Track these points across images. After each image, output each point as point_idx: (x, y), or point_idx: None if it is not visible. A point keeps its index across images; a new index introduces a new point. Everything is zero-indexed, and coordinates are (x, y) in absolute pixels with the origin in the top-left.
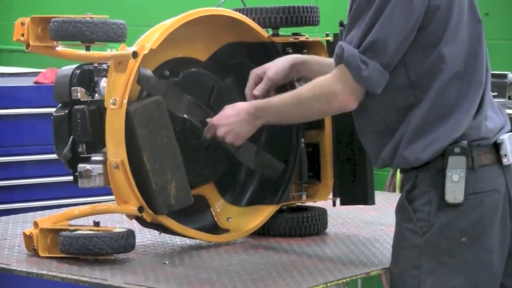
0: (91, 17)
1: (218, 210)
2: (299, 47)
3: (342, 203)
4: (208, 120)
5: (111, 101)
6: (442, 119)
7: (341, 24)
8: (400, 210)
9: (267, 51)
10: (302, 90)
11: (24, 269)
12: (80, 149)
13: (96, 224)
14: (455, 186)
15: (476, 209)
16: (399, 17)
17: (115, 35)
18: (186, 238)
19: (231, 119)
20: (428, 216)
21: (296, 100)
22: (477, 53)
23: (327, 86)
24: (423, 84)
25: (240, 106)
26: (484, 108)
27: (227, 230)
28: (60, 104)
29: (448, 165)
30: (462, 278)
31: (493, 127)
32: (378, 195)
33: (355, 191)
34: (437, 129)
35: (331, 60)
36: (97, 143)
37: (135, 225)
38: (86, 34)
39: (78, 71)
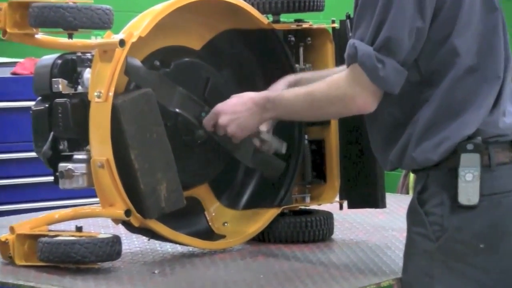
0: (74, 2)
1: (213, 214)
2: (302, 35)
3: (350, 206)
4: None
5: (95, 93)
6: (453, 116)
7: (348, 17)
8: (411, 213)
9: (267, 40)
10: (316, 90)
11: None
12: (61, 147)
13: (79, 229)
14: (468, 187)
15: (492, 211)
16: (411, 9)
17: (101, 22)
18: (177, 245)
19: (238, 108)
20: (441, 219)
21: (310, 100)
22: (492, 44)
23: (343, 89)
24: (434, 79)
25: (249, 95)
26: (502, 103)
27: (223, 236)
28: (39, 97)
29: (461, 164)
30: None
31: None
32: (390, 198)
33: (364, 193)
34: (447, 127)
35: (325, 73)
36: (80, 140)
37: (121, 231)
38: (69, 21)
39: (59, 61)
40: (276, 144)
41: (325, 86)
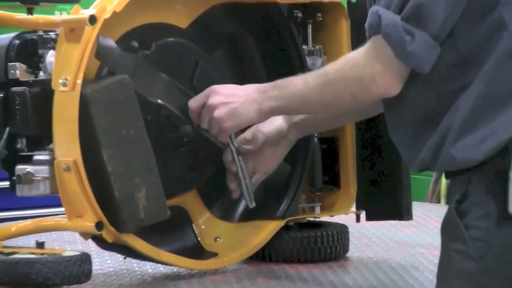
0: None
1: (202, 227)
2: (312, 10)
3: (369, 218)
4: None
5: (60, 81)
6: (500, 105)
7: None
8: (448, 227)
9: (269, 16)
10: (330, 70)
11: None
12: (19, 145)
13: (40, 245)
14: None
15: None
16: None
17: None
18: (159, 265)
19: (236, 91)
20: (486, 234)
21: (321, 83)
22: None
23: (361, 67)
24: (475, 59)
25: (251, 84)
26: None
27: (215, 254)
28: None
29: None
30: None
31: None
32: (417, 207)
33: (385, 201)
34: (494, 119)
35: None
36: (42, 137)
37: (91, 247)
38: None
39: (17, 42)
40: (247, 190)
41: (340, 64)
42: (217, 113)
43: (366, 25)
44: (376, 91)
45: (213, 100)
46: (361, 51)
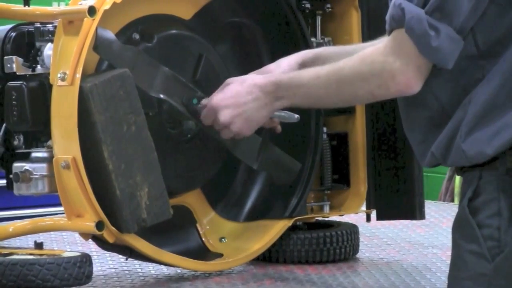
0: None
1: (207, 227)
2: (320, 0)
3: (380, 217)
4: (204, 101)
5: (59, 75)
6: None
7: None
8: (460, 225)
9: (276, 7)
10: (345, 66)
11: None
12: (16, 142)
13: (39, 246)
14: None
15: None
16: None
17: None
18: (162, 266)
19: (241, 98)
20: (498, 232)
21: (336, 80)
22: None
23: (380, 63)
24: (494, 51)
25: (252, 80)
26: None
27: (220, 255)
28: None
29: None
30: None
31: None
32: (430, 206)
33: (397, 200)
34: (507, 112)
35: (351, 48)
36: (40, 134)
37: (92, 248)
38: None
39: (13, 34)
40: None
41: (357, 60)
42: (234, 128)
43: (387, 18)
44: (396, 89)
45: (224, 117)
46: (379, 47)
